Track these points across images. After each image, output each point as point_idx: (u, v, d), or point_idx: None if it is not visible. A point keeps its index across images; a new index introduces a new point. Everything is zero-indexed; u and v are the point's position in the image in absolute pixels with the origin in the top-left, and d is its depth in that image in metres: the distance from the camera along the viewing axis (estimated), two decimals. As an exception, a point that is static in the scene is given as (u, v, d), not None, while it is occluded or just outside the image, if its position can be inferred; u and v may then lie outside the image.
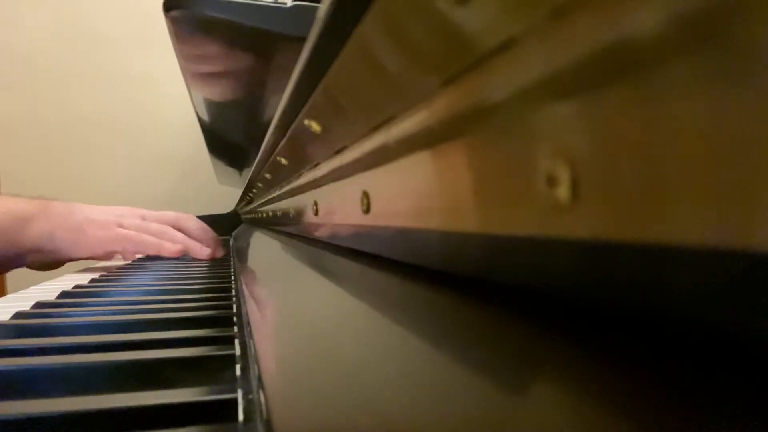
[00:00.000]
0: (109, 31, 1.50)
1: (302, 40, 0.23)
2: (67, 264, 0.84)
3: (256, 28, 0.50)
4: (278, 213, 0.62)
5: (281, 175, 0.52)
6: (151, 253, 0.80)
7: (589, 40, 0.08)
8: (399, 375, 0.14)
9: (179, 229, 0.85)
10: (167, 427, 0.21)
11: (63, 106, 1.50)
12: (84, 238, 0.75)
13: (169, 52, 0.69)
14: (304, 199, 0.42)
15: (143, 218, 0.82)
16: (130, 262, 0.84)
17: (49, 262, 0.81)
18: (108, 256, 0.81)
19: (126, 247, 0.78)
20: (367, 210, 0.23)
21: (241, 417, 0.21)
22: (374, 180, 0.23)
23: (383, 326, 0.17)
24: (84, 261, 0.84)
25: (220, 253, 0.89)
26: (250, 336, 0.27)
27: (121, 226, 0.78)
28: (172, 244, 0.81)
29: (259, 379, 0.21)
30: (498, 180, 0.12)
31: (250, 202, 1.01)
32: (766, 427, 0.06)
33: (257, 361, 0.22)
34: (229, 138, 1.09)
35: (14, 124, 1.47)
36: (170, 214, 0.86)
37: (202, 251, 0.85)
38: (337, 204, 0.31)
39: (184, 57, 0.67)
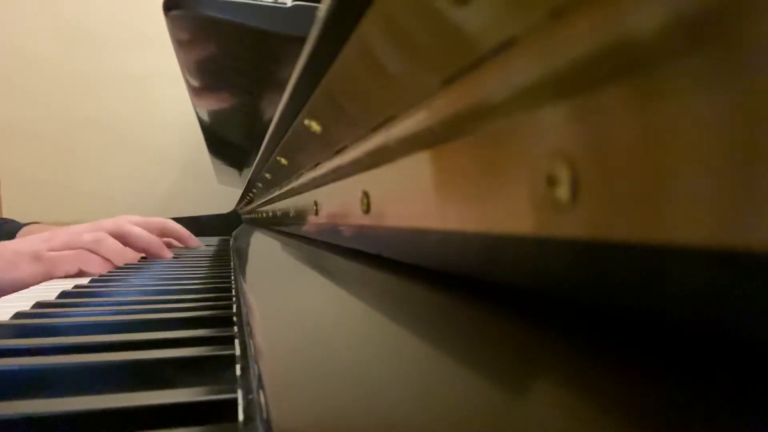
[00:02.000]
0: (109, 32, 1.50)
1: (302, 40, 0.23)
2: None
3: (256, 28, 0.50)
4: (278, 213, 0.62)
5: (281, 175, 0.52)
6: (93, 269, 0.69)
7: (588, 39, 0.08)
8: (399, 375, 0.14)
9: (166, 232, 0.80)
10: (167, 427, 0.21)
11: (63, 106, 1.50)
12: (17, 273, 0.65)
13: (169, 52, 0.69)
14: (304, 199, 0.42)
15: (74, 240, 0.71)
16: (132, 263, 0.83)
17: None
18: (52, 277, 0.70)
19: (67, 269, 0.68)
20: (367, 210, 0.23)
21: (241, 417, 0.21)
22: (374, 180, 0.23)
23: (383, 326, 0.17)
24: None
25: (194, 242, 0.85)
26: (250, 336, 0.27)
27: (51, 249, 0.68)
28: (130, 255, 0.73)
29: (259, 379, 0.21)
30: (498, 180, 0.12)
31: (250, 202, 1.01)
32: (766, 427, 0.06)
33: (257, 361, 0.22)
34: (229, 138, 1.09)
35: (14, 124, 1.47)
36: (106, 223, 0.76)
37: (162, 250, 0.78)
38: (337, 204, 0.31)
39: (184, 57, 0.67)
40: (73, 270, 0.69)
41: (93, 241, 0.72)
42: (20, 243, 0.71)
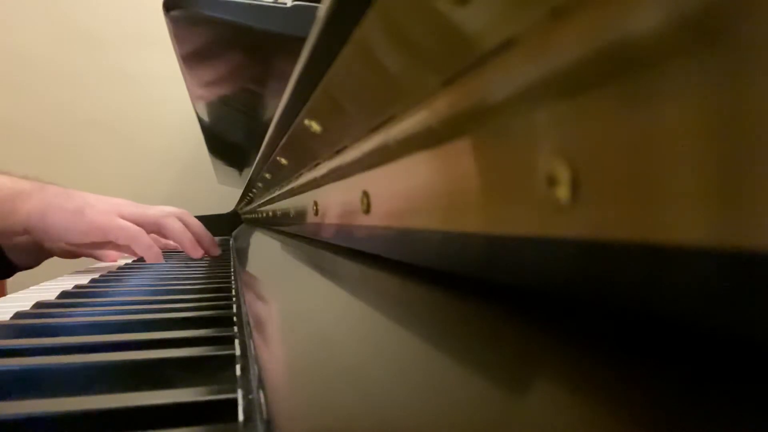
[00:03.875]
0: (109, 31, 1.50)
1: (302, 40, 0.23)
2: (67, 264, 0.84)
3: (256, 28, 0.50)
4: (278, 213, 0.62)
5: (281, 175, 0.52)
6: (140, 251, 0.76)
7: (588, 39, 0.08)
8: (399, 375, 0.14)
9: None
10: (167, 427, 0.21)
11: (63, 107, 1.50)
12: (81, 221, 0.72)
13: (169, 52, 0.69)
14: (304, 199, 0.42)
15: (143, 213, 0.79)
16: (130, 261, 0.84)
17: (35, 246, 0.78)
18: (98, 245, 0.78)
19: (119, 236, 0.74)
20: (367, 210, 0.23)
21: (241, 417, 0.21)
22: (374, 180, 0.23)
23: (383, 326, 0.17)
24: (84, 261, 0.84)
25: (216, 252, 0.88)
26: (250, 336, 0.27)
27: (120, 216, 0.76)
28: (159, 252, 0.78)
29: (259, 379, 0.21)
30: (498, 180, 0.12)
31: (250, 202, 1.01)
32: (766, 427, 0.06)
33: (257, 361, 0.22)
34: (229, 138, 1.09)
35: (14, 123, 1.47)
36: (171, 209, 0.84)
37: (195, 250, 0.83)
38: (337, 204, 0.31)
39: (184, 57, 0.67)
40: (124, 241, 0.75)
41: (160, 216, 0.79)
42: (92, 197, 0.77)
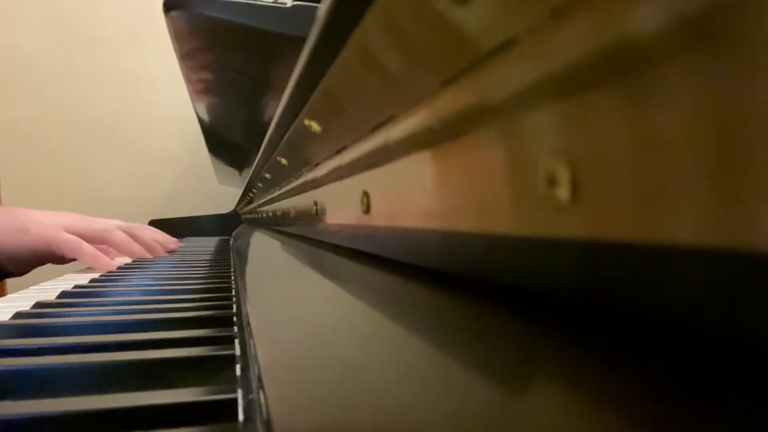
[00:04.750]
0: (110, 32, 1.50)
1: (302, 40, 0.23)
2: (67, 264, 0.84)
3: (256, 28, 0.50)
4: (278, 213, 0.62)
5: (281, 175, 0.52)
6: (87, 261, 0.77)
7: (588, 40, 0.08)
8: (399, 375, 0.14)
9: (131, 237, 0.86)
10: (167, 427, 0.21)
11: (63, 107, 1.50)
12: (26, 237, 0.75)
13: (169, 52, 0.69)
14: (304, 199, 0.42)
15: (87, 227, 0.81)
16: (130, 261, 0.84)
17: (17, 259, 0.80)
18: (50, 258, 0.79)
19: (63, 249, 0.76)
20: (367, 210, 0.23)
21: (241, 417, 0.21)
22: (374, 180, 0.23)
23: (383, 326, 0.17)
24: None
25: (172, 246, 0.94)
26: (250, 336, 0.27)
27: (65, 230, 0.77)
28: (108, 258, 0.79)
29: (259, 379, 0.21)
30: (498, 180, 0.12)
31: (250, 202, 1.01)
32: (766, 427, 0.06)
33: (257, 361, 0.22)
34: (229, 138, 1.09)
35: (14, 124, 1.47)
36: (116, 222, 0.86)
37: (145, 255, 0.86)
38: (337, 204, 0.31)
39: (184, 57, 0.67)
40: (69, 253, 0.76)
41: (103, 230, 0.82)
42: (36, 213, 0.79)
